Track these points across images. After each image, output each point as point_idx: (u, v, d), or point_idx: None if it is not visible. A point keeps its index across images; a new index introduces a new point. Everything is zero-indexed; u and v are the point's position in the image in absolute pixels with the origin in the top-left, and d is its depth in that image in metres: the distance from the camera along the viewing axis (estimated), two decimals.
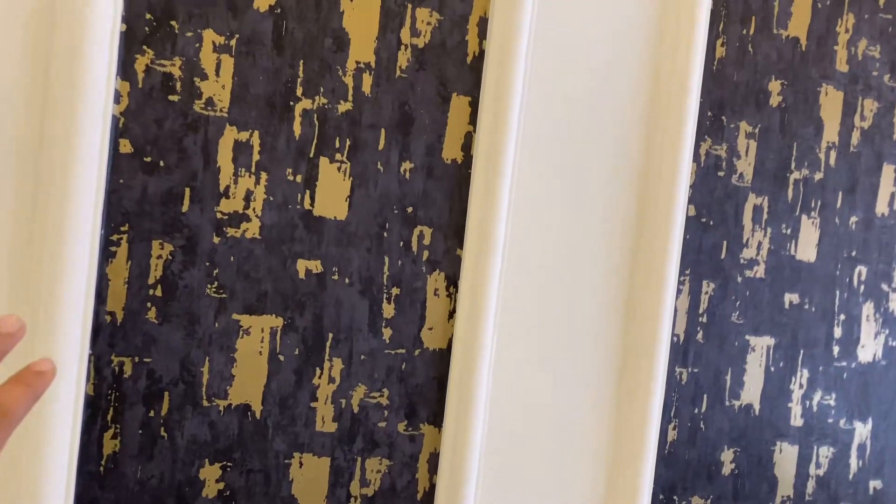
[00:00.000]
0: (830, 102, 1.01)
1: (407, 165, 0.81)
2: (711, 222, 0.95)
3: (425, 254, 0.82)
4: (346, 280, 0.79)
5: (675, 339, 0.94)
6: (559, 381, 0.89)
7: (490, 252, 0.82)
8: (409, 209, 0.81)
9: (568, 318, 0.89)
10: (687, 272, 0.94)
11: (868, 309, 1.06)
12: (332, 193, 0.78)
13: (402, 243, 0.81)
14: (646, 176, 0.92)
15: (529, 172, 0.86)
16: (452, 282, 0.84)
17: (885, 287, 1.07)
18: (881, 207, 1.06)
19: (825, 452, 1.05)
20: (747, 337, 0.98)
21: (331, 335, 0.79)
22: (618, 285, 0.91)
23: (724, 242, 0.96)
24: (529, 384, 0.88)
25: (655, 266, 0.91)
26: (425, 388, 0.83)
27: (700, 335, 0.95)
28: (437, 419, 0.84)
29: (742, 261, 0.97)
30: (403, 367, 0.82)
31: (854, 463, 1.08)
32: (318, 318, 0.78)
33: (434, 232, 0.82)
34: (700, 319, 0.95)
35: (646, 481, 0.91)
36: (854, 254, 1.05)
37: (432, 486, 0.84)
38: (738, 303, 0.98)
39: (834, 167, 1.03)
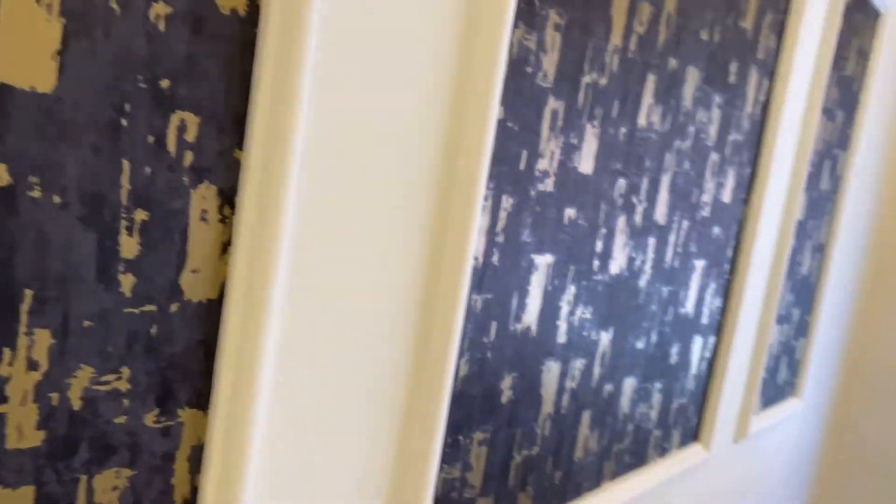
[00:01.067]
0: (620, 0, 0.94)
1: (160, 9, 0.49)
2: (516, 128, 0.82)
3: (188, 156, 0.53)
4: (56, 198, 0.46)
5: (474, 262, 0.81)
6: (359, 330, 0.70)
7: (284, 154, 0.56)
8: (164, 83, 0.50)
9: (374, 245, 0.69)
10: (491, 186, 0.80)
11: (622, 222, 1.07)
12: (27, 46, 0.43)
13: (150, 138, 0.50)
14: (462, 67, 0.73)
15: (336, 41, 0.60)
16: (227, 199, 0.56)
17: (634, 200, 1.08)
18: (642, 119, 1.05)
19: (578, 365, 1.05)
20: (533, 256, 0.90)
21: (29, 292, 0.46)
22: (429, 198, 0.73)
23: (524, 152, 0.84)
24: (326, 331, 0.66)
25: (467, 178, 0.75)
26: (185, 359, 0.56)
27: (496, 257, 0.83)
28: (201, 400, 0.58)
29: (537, 173, 0.87)
30: (153, 331, 0.53)
31: (596, 371, 1.10)
32: (6, 263, 0.45)
33: (202, 123, 0.53)
34: (497, 239, 0.83)
35: (439, 426, 0.78)
36: (619, 166, 1.03)
37: (194, 491, 0.59)
38: (529, 220, 0.87)
39: (616, 73, 0.96)
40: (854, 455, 2.52)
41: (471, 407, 0.86)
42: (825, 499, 2.58)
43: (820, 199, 1.84)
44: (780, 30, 1.40)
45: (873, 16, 1.85)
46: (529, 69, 0.81)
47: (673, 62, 1.09)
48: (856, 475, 2.52)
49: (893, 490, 2.43)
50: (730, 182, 1.37)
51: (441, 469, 0.84)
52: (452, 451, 0.85)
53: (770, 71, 1.41)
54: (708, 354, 1.47)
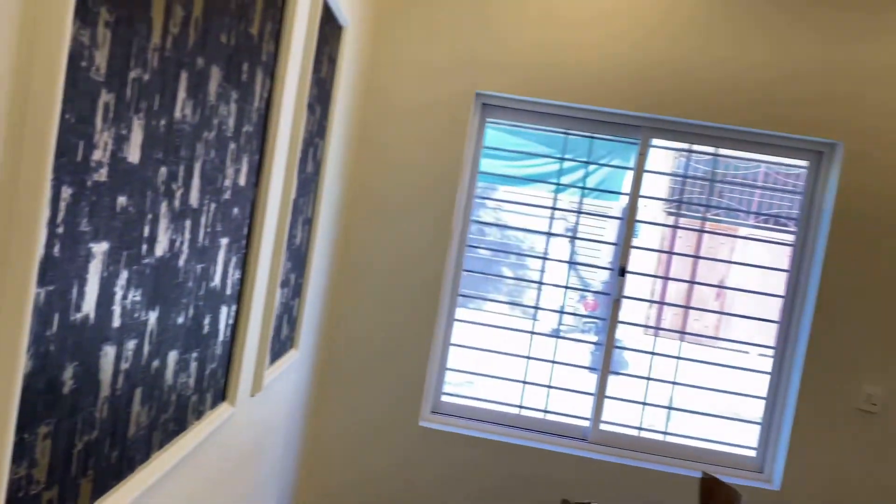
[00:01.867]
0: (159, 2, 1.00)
1: None
2: (73, 120, 0.83)
3: None
4: None
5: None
6: None
7: None
8: None
9: None
10: (52, 178, 0.80)
11: (164, 207, 1.14)
12: None
13: None
14: (22, 61, 0.72)
15: None
16: None
17: (173, 186, 1.17)
18: (178, 112, 1.14)
19: (131, 346, 1.10)
20: (91, 245, 0.92)
21: None
22: None
23: (81, 143, 0.85)
24: None
25: (33, 173, 0.74)
26: None
27: (57, 248, 0.84)
28: None
29: (92, 163, 0.89)
30: None
31: (146, 349, 1.16)
32: None
33: None
34: (58, 231, 0.83)
35: (8, 432, 0.77)
36: (161, 156, 1.10)
37: None
38: (87, 209, 0.89)
39: (156, 69, 1.03)
40: (334, 380, 3.06)
41: (35, 403, 0.84)
42: (319, 418, 3.06)
43: (307, 180, 2.18)
44: (277, 37, 1.63)
45: (338, 28, 2.25)
46: (84, 63, 0.83)
47: (200, 61, 1.20)
48: (337, 396, 3.07)
49: (363, 402, 3.05)
50: (244, 168, 1.55)
51: (11, 472, 0.81)
52: (18, 450, 0.82)
53: (271, 72, 1.63)
54: (231, 321, 1.64)
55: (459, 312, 3.20)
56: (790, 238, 3.08)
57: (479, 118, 3.10)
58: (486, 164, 3.33)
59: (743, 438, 4.20)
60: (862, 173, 2.91)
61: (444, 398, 3.19)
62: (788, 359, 3.04)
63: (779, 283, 3.09)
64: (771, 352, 3.11)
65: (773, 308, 2.87)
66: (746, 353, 9.27)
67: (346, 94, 2.65)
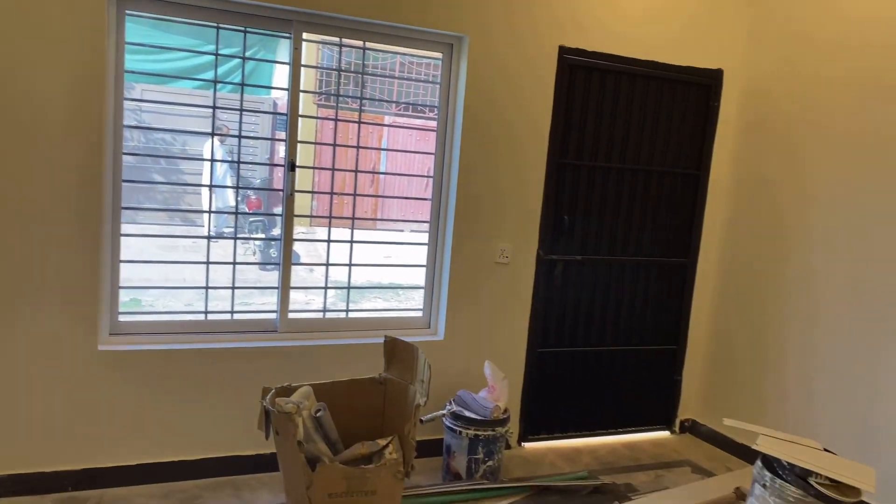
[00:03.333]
0: None
1: None
2: None
3: None
4: None
5: None
6: None
7: None
8: None
9: None
10: None
11: None
12: None
13: None
14: None
15: None
16: None
17: None
18: None
19: None
20: None
21: None
22: None
23: None
24: None
25: None
26: None
27: None
28: None
29: None
30: None
31: None
32: None
33: None
34: None
35: None
36: None
37: None
38: None
39: None
40: None
41: None
42: None
43: None
44: None
45: None
46: None
47: None
48: None
49: (24, 337, 2.76)
50: None
51: None
52: None
53: None
54: None
55: (126, 228, 3.01)
56: (433, 124, 3.48)
57: (117, 10, 2.82)
58: (133, 63, 3.07)
59: (412, 303, 4.77)
60: (484, 64, 3.38)
61: (123, 318, 3.03)
62: (441, 229, 3.51)
63: (421, 163, 3.50)
64: (426, 226, 3.55)
65: (426, 187, 3.28)
66: (401, 231, 10.23)
67: None
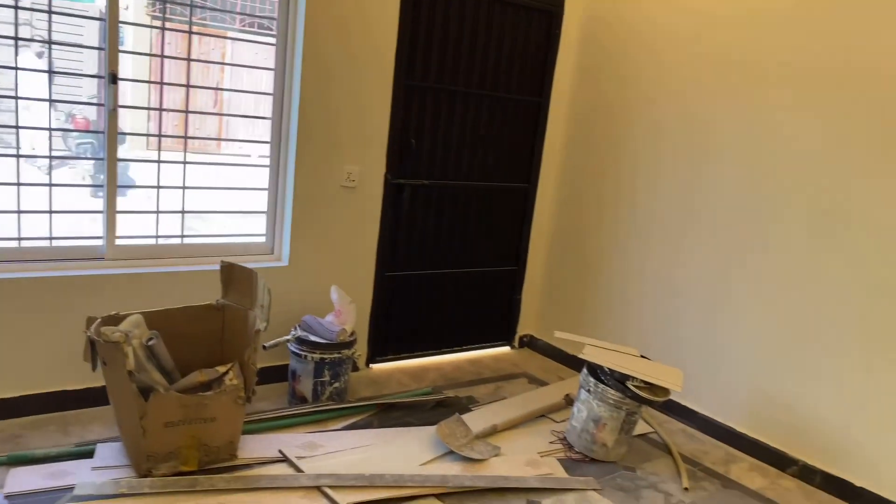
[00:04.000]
0: None
1: None
2: None
3: None
4: None
5: None
6: None
7: None
8: None
9: None
10: None
11: None
12: None
13: None
14: None
15: None
16: None
17: None
18: None
19: None
20: None
21: None
22: None
23: None
24: None
25: None
26: None
27: None
28: None
29: None
30: None
31: None
32: None
33: None
34: None
35: None
36: None
37: None
38: None
39: None
40: None
41: None
42: None
43: None
44: None
45: None
46: None
47: None
48: None
49: None
50: None
51: None
52: None
53: None
54: None
55: None
56: (274, 40, 3.30)
57: None
58: None
59: (254, 228, 4.62)
60: None
61: None
62: (283, 151, 3.39)
63: (270, 82, 3.33)
64: (268, 147, 3.41)
65: (268, 106, 3.12)
66: (248, 155, 9.79)
67: None
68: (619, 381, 2.95)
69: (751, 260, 3.29)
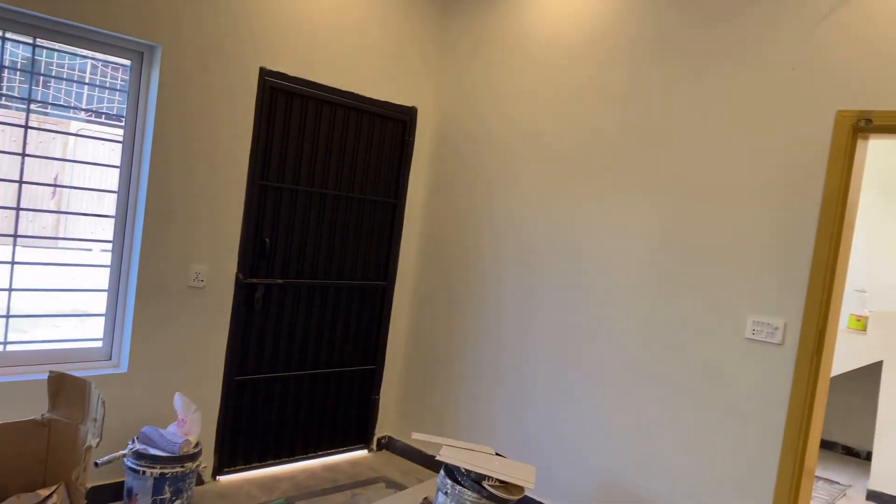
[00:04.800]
0: None
1: None
2: None
3: None
4: None
5: None
6: None
7: None
8: None
9: None
10: None
11: None
12: None
13: None
14: None
15: None
16: None
17: None
18: None
19: None
20: None
21: None
22: None
23: None
24: None
25: None
26: None
27: None
28: None
29: None
30: None
31: None
32: None
33: None
34: None
35: None
36: None
37: None
38: None
39: None
40: None
41: None
42: None
43: None
44: None
45: None
46: None
47: None
48: None
49: None
50: None
51: None
52: None
53: None
54: None
55: None
56: (121, 134, 3.19)
57: None
58: None
59: (90, 332, 4.28)
60: (179, 78, 3.21)
61: None
62: (127, 250, 3.23)
63: (115, 179, 3.20)
64: (111, 245, 3.23)
65: (112, 203, 2.98)
66: (90, 250, 9.19)
67: None
68: (475, 481, 2.95)
69: (585, 352, 3.49)
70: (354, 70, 3.87)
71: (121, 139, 3.19)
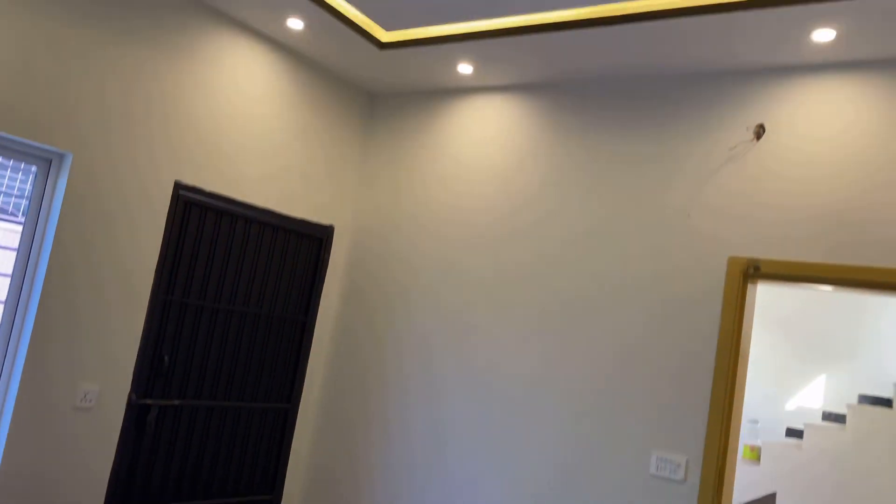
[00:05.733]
0: None
1: None
2: None
3: None
4: None
5: None
6: None
7: None
8: None
9: None
10: None
11: None
12: None
13: None
14: None
15: None
16: None
17: None
18: None
19: None
20: None
21: None
22: None
23: None
24: None
25: None
26: None
27: None
28: None
29: None
30: None
31: None
32: None
33: None
34: None
35: None
36: None
37: None
38: None
39: None
40: None
41: None
42: None
43: None
44: None
45: None
46: None
47: None
48: None
49: None
50: None
51: None
52: None
53: None
54: None
55: None
56: (15, 241, 3.02)
57: None
58: None
59: None
60: (87, 187, 3.10)
61: None
62: (9, 363, 2.97)
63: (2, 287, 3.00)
64: None
65: None
66: None
67: None
68: None
69: (493, 486, 3.42)
70: (274, 187, 3.87)
71: (15, 247, 3.01)
